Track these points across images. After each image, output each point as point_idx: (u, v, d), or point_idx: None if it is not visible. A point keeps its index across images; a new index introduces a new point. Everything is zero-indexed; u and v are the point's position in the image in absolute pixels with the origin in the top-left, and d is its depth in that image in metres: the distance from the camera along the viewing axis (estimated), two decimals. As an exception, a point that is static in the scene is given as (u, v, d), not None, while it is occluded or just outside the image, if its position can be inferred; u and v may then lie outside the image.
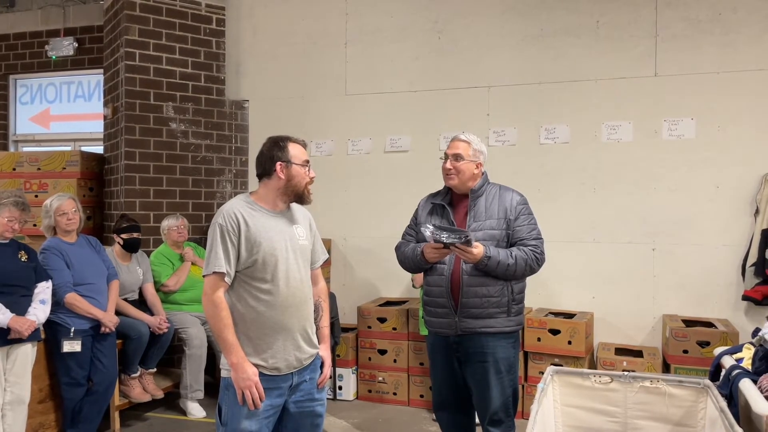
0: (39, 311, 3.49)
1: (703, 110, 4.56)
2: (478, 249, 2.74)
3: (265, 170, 2.50)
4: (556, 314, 4.66)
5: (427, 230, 2.71)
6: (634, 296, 4.71)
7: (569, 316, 4.61)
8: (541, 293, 4.87)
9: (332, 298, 4.98)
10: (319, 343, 2.60)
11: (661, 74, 4.66)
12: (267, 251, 2.39)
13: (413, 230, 3.09)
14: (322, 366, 2.60)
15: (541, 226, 4.80)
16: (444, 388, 3.01)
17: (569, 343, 4.37)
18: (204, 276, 2.39)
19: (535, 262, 2.87)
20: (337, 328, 4.82)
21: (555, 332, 4.43)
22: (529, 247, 2.87)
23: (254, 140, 5.80)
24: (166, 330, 4.33)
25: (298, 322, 2.48)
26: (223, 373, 2.44)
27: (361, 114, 5.43)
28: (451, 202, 3.03)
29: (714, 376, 3.00)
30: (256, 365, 2.39)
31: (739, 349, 2.97)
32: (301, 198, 2.54)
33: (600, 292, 4.80)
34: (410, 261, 2.97)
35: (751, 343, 2.84)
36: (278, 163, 2.47)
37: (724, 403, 2.30)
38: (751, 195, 4.42)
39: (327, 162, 5.48)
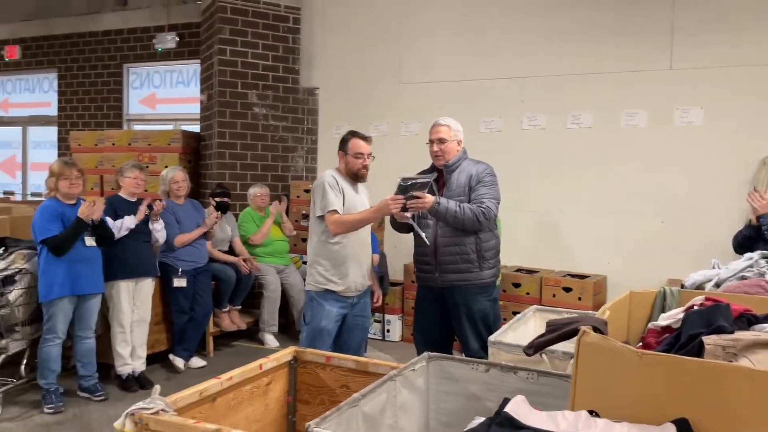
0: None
1: (711, 100, 5.14)
2: (430, 197, 3.26)
3: (338, 156, 3.62)
4: (573, 275, 5.43)
5: (399, 179, 3.16)
6: (644, 262, 5.38)
7: (584, 277, 5.38)
8: (562, 257, 5.66)
9: (383, 257, 5.95)
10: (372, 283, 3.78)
11: (676, 68, 5.26)
12: (350, 204, 3.45)
13: None
14: (372, 294, 3.79)
15: (564, 200, 5.59)
16: (427, 330, 3.61)
17: (579, 299, 5.15)
18: (321, 216, 3.43)
19: (482, 215, 3.34)
20: (386, 282, 5.79)
21: (568, 290, 5.22)
22: (476, 204, 3.38)
23: (323, 122, 6.80)
24: (248, 268, 5.43)
25: (365, 259, 3.60)
26: (308, 287, 3.54)
27: (413, 100, 6.30)
28: (438, 179, 3.56)
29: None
30: (335, 288, 3.45)
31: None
32: (356, 177, 3.59)
33: (614, 258, 5.52)
34: (393, 225, 3.70)
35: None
36: (340, 151, 3.58)
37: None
38: (749, 177, 5.00)
39: (383, 141, 6.39)
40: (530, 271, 5.61)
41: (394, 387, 2.32)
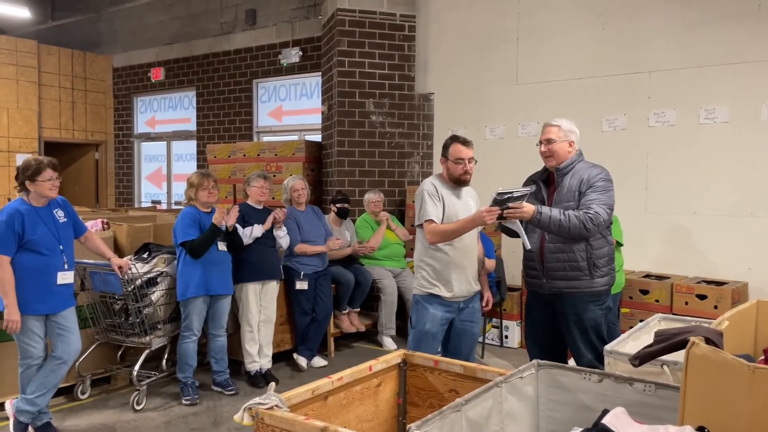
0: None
1: None
2: (529, 206, 3.14)
3: (440, 162, 3.62)
4: (709, 282, 5.03)
5: (495, 193, 3.10)
6: (792, 269, 4.89)
7: (721, 284, 4.96)
8: (696, 263, 5.27)
9: (500, 262, 5.86)
10: (482, 287, 3.69)
11: (828, 52, 4.73)
12: (451, 211, 3.43)
13: None
14: (481, 299, 3.70)
15: (698, 201, 5.19)
16: (539, 337, 3.52)
17: (715, 307, 4.76)
18: (419, 225, 3.47)
19: (589, 222, 3.16)
20: (503, 287, 5.71)
21: (702, 297, 4.85)
22: (583, 210, 3.19)
23: (439, 127, 6.83)
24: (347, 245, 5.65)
25: (469, 264, 3.55)
26: (414, 291, 3.58)
27: (530, 101, 6.16)
28: (547, 180, 3.49)
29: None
30: (439, 293, 3.45)
31: None
32: (458, 182, 3.56)
33: (757, 263, 5.04)
34: (498, 227, 3.62)
35: None
36: (442, 157, 3.58)
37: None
38: None
39: (499, 144, 6.32)
40: (660, 277, 5.27)
41: (501, 394, 2.29)
